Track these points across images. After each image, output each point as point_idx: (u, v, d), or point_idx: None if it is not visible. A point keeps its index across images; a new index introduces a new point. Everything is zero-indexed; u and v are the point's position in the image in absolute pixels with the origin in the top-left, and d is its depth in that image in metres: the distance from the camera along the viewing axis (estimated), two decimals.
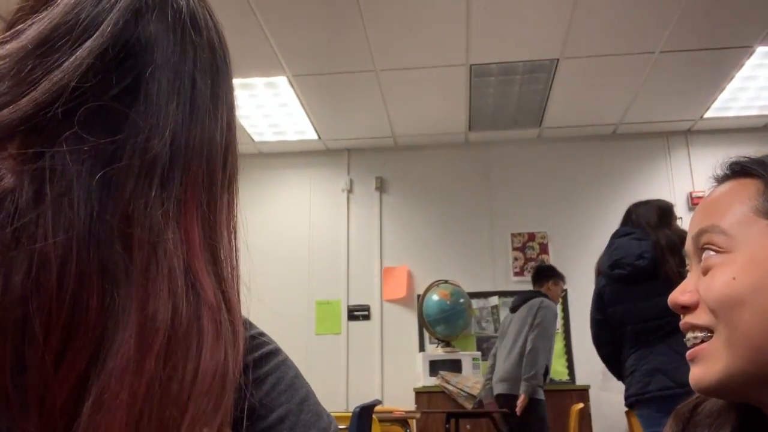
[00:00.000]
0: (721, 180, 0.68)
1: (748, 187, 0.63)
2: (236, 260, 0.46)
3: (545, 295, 4.27)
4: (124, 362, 0.34)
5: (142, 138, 0.38)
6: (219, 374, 0.39)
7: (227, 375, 0.40)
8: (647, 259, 2.62)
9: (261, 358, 0.97)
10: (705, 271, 0.62)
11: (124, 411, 0.34)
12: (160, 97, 0.39)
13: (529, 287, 5.52)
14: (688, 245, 0.67)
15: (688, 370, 2.22)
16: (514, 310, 4.33)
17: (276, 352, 1.00)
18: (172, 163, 0.39)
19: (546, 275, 4.41)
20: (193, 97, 0.41)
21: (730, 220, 0.62)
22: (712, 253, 0.62)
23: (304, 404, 0.96)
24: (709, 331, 0.61)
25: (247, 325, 1.00)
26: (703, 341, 0.61)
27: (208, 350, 0.38)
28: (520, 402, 3.86)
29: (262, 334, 1.00)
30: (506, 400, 4.00)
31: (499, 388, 4.08)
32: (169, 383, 0.36)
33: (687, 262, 0.67)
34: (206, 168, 0.41)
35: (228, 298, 0.42)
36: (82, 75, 0.37)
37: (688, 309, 0.64)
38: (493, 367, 4.33)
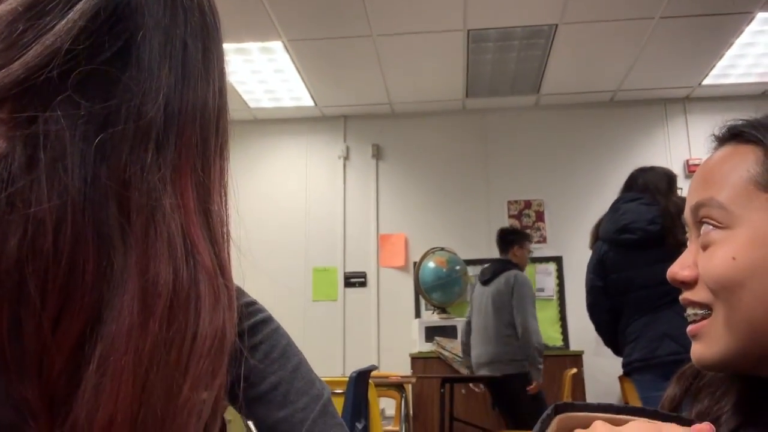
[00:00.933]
0: (719, 143, 0.65)
1: (747, 154, 0.61)
2: (227, 225, 0.46)
3: (515, 265, 4.21)
4: (128, 325, 0.34)
5: (135, 102, 0.38)
6: (218, 338, 0.39)
7: (225, 338, 0.40)
8: (659, 224, 2.59)
9: (254, 326, 0.97)
10: (704, 247, 0.61)
11: (130, 373, 0.34)
12: (152, 61, 0.39)
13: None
14: (687, 215, 0.65)
15: None
16: (485, 283, 4.23)
17: (268, 320, 1.01)
18: (166, 128, 0.39)
19: (509, 241, 4.31)
20: (184, 61, 0.41)
21: (728, 193, 0.59)
22: (710, 227, 0.60)
23: (297, 371, 0.97)
24: (709, 308, 0.60)
25: (240, 293, 1.01)
26: (703, 318, 0.60)
27: (207, 314, 0.38)
28: (533, 389, 3.90)
29: (254, 302, 1.01)
30: (501, 383, 4.02)
31: (486, 371, 4.05)
32: (172, 346, 0.36)
33: (686, 231, 0.66)
34: (200, 132, 0.41)
35: (222, 263, 0.42)
36: (75, 38, 0.37)
37: (687, 284, 0.62)
38: (467, 345, 4.30)
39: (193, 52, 0.42)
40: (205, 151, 0.42)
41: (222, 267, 0.42)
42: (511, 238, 4.33)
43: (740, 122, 0.63)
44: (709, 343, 0.59)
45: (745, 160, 0.60)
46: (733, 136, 0.63)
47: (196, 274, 0.38)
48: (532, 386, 3.89)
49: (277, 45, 4.65)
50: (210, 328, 0.38)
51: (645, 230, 2.62)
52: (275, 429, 0.94)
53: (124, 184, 0.36)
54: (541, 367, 3.94)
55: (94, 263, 0.34)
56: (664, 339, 2.53)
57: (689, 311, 0.62)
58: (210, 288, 0.39)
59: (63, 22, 0.37)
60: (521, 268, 4.26)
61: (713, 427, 0.40)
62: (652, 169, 2.82)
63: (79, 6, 0.38)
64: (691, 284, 0.62)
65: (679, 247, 2.69)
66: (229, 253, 0.45)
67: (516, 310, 3.99)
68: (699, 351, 0.60)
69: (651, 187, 2.72)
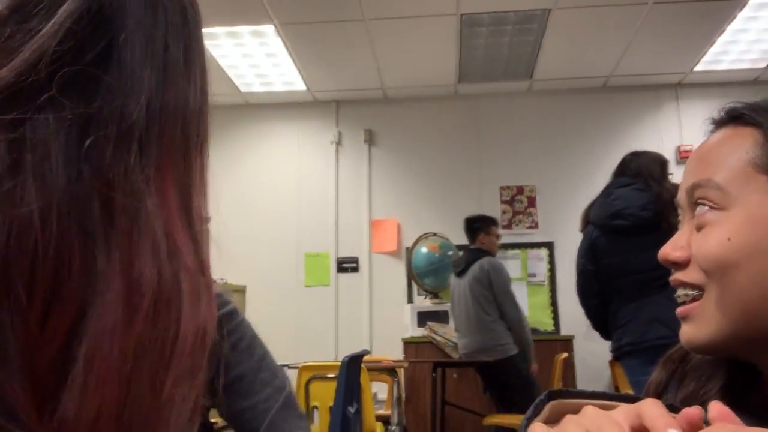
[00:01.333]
0: (717, 126, 0.64)
1: (746, 137, 0.60)
2: (208, 222, 0.47)
3: (486, 252, 4.20)
4: (112, 323, 0.35)
5: (118, 104, 0.38)
6: (200, 335, 0.40)
7: (206, 335, 0.41)
8: (651, 210, 2.60)
9: (221, 318, 0.99)
10: (699, 228, 0.60)
11: (114, 371, 0.35)
12: (134, 62, 0.39)
13: (518, 240, 5.60)
14: (681, 197, 0.64)
15: None
16: (459, 274, 4.23)
17: (234, 312, 1.03)
18: (148, 129, 0.39)
19: (475, 229, 4.29)
20: (166, 61, 0.41)
21: (725, 175, 0.58)
22: (706, 208, 0.59)
23: (262, 362, 0.99)
24: (700, 289, 0.59)
25: None
26: (694, 299, 0.59)
27: (189, 312, 0.39)
28: (534, 369, 3.99)
29: (220, 294, 1.03)
30: (491, 367, 4.05)
31: (476, 357, 4.09)
32: (155, 343, 0.37)
33: (679, 213, 0.64)
34: (182, 132, 0.41)
35: (202, 261, 0.43)
36: (60, 40, 0.37)
37: (679, 265, 0.61)
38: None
39: (174, 51, 0.42)
40: (186, 150, 0.42)
41: (203, 265, 0.42)
42: (476, 226, 4.30)
43: (740, 105, 0.63)
44: (699, 324, 0.58)
45: (743, 142, 0.59)
46: (731, 119, 0.63)
47: (178, 273, 0.39)
48: (533, 367, 3.97)
49: (268, 29, 4.61)
50: (192, 326, 0.39)
51: (637, 216, 2.63)
52: (239, 418, 0.96)
53: (108, 185, 0.36)
54: (529, 353, 4.02)
55: (80, 262, 0.35)
56: (654, 323, 2.55)
57: (680, 292, 0.61)
58: (192, 286, 0.40)
59: (49, 24, 0.37)
60: (492, 254, 4.25)
61: (702, 410, 0.40)
62: (644, 154, 2.82)
63: (64, 7, 0.38)
64: (683, 265, 0.61)
65: (672, 232, 2.73)
66: (209, 251, 0.46)
67: (500, 304, 4.01)
68: (689, 332, 0.59)
69: (644, 172, 2.71)
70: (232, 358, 0.99)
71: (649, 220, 2.60)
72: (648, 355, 2.56)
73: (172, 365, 0.38)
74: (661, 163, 2.76)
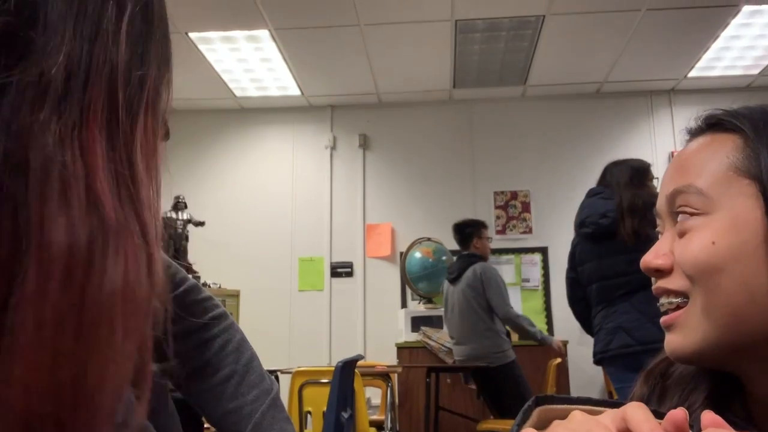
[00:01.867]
0: (695, 134, 0.63)
1: (725, 143, 0.59)
2: (156, 188, 0.45)
3: (479, 257, 4.19)
4: (29, 292, 0.34)
5: (36, 58, 0.37)
6: (130, 300, 0.39)
7: (137, 300, 0.40)
8: (610, 218, 2.66)
9: (211, 320, 1.00)
10: (681, 234, 0.59)
11: (35, 341, 0.34)
12: (57, 16, 0.39)
13: (512, 245, 5.60)
14: (661, 205, 0.62)
15: (649, 328, 2.28)
16: (453, 281, 4.21)
17: (224, 315, 1.04)
18: (67, 87, 0.38)
19: (468, 234, 4.26)
20: (92, 17, 0.40)
21: (707, 180, 0.58)
22: (687, 215, 0.58)
23: (250, 365, 0.99)
24: (685, 296, 0.57)
25: (197, 289, 1.03)
26: (678, 307, 0.58)
27: (116, 273, 0.38)
28: (561, 352, 4.12)
29: (210, 297, 1.04)
30: (486, 373, 4.05)
31: (472, 364, 4.09)
32: (77, 309, 0.36)
33: (659, 222, 0.63)
34: (107, 90, 0.40)
35: (144, 223, 0.41)
36: None
37: (661, 273, 0.60)
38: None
39: (104, 12, 0.41)
40: (116, 109, 0.41)
41: (144, 226, 0.41)
42: (469, 231, 4.27)
43: (717, 112, 0.62)
44: (686, 332, 0.57)
45: (723, 147, 0.59)
46: (709, 126, 0.62)
47: (100, 232, 0.37)
48: (559, 349, 4.12)
49: (263, 33, 4.62)
50: (119, 286, 0.38)
51: (597, 224, 2.71)
52: (225, 420, 0.96)
53: (21, 142, 0.36)
54: (541, 335, 4.08)
55: (6, 230, 0.34)
56: (618, 331, 2.60)
57: (663, 300, 0.60)
58: (117, 245, 0.38)
59: None
60: (485, 258, 4.25)
61: (686, 412, 0.40)
62: (622, 163, 2.89)
63: None
64: (665, 272, 0.59)
65: (627, 238, 2.76)
66: (157, 217, 0.44)
67: (494, 307, 4.01)
68: (676, 342, 0.58)
69: (613, 181, 2.79)
70: (219, 360, 0.99)
71: (607, 227, 2.67)
72: (618, 362, 2.62)
73: (101, 332, 0.37)
74: (633, 170, 2.80)
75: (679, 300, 0.58)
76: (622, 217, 2.62)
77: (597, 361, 2.77)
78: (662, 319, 0.59)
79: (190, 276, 1.02)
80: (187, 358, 0.97)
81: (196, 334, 0.99)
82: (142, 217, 0.41)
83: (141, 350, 0.41)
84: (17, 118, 0.36)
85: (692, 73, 5.33)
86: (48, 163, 0.36)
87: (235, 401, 0.96)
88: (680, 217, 0.59)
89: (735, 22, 4.52)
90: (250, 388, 0.98)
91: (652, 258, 0.60)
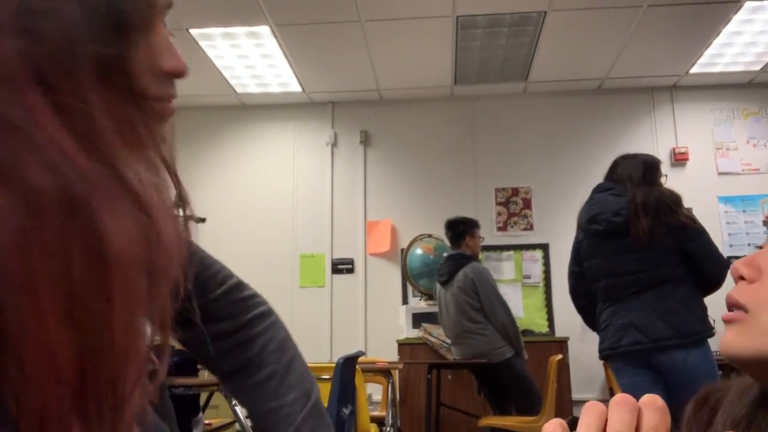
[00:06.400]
0: None
1: None
2: (154, 156, 0.45)
3: (469, 257, 4.15)
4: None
5: None
6: (118, 262, 0.39)
7: (128, 267, 0.40)
8: (623, 215, 2.62)
9: (254, 318, 1.00)
10: None
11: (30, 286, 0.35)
12: None
13: (513, 242, 5.60)
14: None
15: (659, 325, 2.27)
16: (444, 283, 4.16)
17: (268, 313, 1.03)
18: (14, 48, 0.38)
19: (461, 232, 4.21)
20: None
21: None
22: None
23: (291, 365, 0.99)
24: (745, 310, 0.58)
25: (243, 286, 1.04)
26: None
27: (108, 221, 0.38)
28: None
29: (256, 295, 1.04)
30: (486, 369, 4.05)
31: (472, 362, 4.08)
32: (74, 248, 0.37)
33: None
34: (62, 53, 0.40)
35: (128, 184, 0.41)
36: None
37: (744, 280, 0.60)
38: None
39: None
40: (66, 69, 0.41)
41: (129, 189, 0.41)
42: (462, 229, 4.22)
43: None
44: (747, 335, 0.57)
45: None
46: None
47: (81, 185, 0.38)
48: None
49: (264, 30, 4.61)
50: (121, 240, 0.38)
51: (609, 221, 2.66)
52: (265, 419, 0.96)
53: None
54: (518, 350, 4.02)
55: None
56: (629, 328, 2.58)
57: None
58: (100, 200, 0.38)
59: None
60: (475, 257, 4.23)
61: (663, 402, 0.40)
62: (632, 157, 2.82)
63: None
64: (748, 282, 0.59)
65: (643, 236, 2.73)
66: (152, 183, 0.44)
67: (486, 309, 4.00)
68: (732, 339, 0.58)
69: (625, 177, 2.74)
70: (262, 358, 1.00)
71: (621, 225, 2.63)
72: (626, 358, 2.60)
73: (114, 289, 0.38)
74: (645, 165, 2.76)
75: (742, 311, 0.58)
76: (636, 215, 2.58)
77: (604, 357, 2.75)
78: (725, 315, 0.60)
79: (234, 275, 1.02)
80: (230, 356, 0.98)
81: (239, 332, 1.00)
82: (124, 178, 0.41)
83: (159, 324, 0.41)
84: None
85: (694, 69, 5.31)
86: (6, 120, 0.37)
87: (276, 401, 0.96)
88: None
89: (737, 18, 4.51)
90: (290, 388, 0.98)
91: (740, 266, 0.61)
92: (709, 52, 5.02)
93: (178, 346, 1.02)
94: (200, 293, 0.94)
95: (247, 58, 5.03)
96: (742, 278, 0.60)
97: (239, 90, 5.60)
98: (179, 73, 0.51)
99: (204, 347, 0.96)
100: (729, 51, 5.02)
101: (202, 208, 4.70)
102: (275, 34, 4.67)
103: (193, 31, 4.59)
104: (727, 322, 0.59)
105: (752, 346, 0.56)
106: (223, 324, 0.97)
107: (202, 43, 4.77)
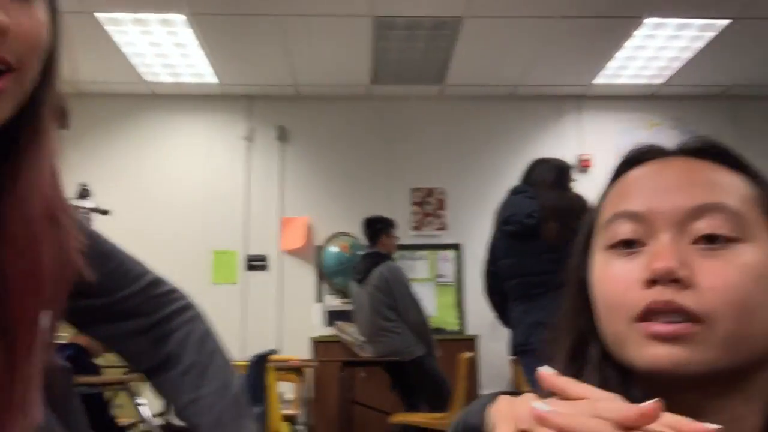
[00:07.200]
0: (692, 153, 0.58)
1: (734, 174, 0.56)
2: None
3: (384, 255, 4.21)
4: None
5: None
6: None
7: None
8: (535, 218, 2.72)
9: (173, 313, 1.01)
10: (707, 254, 0.52)
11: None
12: None
13: (427, 241, 5.69)
14: (669, 217, 0.53)
15: None
16: (360, 282, 4.21)
17: (188, 307, 1.05)
18: None
19: (377, 230, 4.27)
20: None
21: (738, 204, 0.53)
22: (723, 238, 0.52)
23: (212, 358, 1.00)
24: (701, 321, 0.50)
25: (160, 282, 1.03)
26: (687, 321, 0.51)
27: None
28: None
29: (174, 290, 1.05)
30: (399, 367, 4.10)
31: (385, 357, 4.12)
32: None
33: (632, 227, 0.55)
34: None
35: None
36: None
37: (678, 284, 0.51)
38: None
39: None
40: None
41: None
42: (379, 227, 4.28)
43: (719, 143, 0.58)
44: (698, 350, 0.50)
45: (737, 178, 0.55)
46: (713, 154, 0.57)
47: None
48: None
49: (179, 18, 4.46)
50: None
51: (522, 223, 2.76)
52: (186, 409, 0.97)
53: None
54: (434, 343, 4.11)
55: None
56: (538, 327, 2.67)
57: (673, 318, 0.51)
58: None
59: None
60: (390, 256, 4.29)
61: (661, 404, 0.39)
62: (546, 161, 2.95)
63: None
64: (683, 285, 0.51)
65: (551, 239, 2.83)
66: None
67: (400, 308, 4.05)
68: (682, 356, 0.50)
69: (538, 180, 2.85)
70: (183, 349, 1.00)
71: (533, 227, 2.73)
72: (533, 356, 2.70)
73: None
74: (558, 170, 2.88)
75: (690, 323, 0.50)
76: (545, 218, 2.68)
77: (515, 354, 2.83)
78: (665, 329, 0.50)
79: (151, 271, 1.02)
80: (150, 351, 0.99)
81: (157, 327, 1.00)
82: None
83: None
84: None
85: (599, 81, 5.58)
86: None
87: (195, 392, 0.97)
88: (700, 233, 0.52)
89: (639, 33, 4.77)
90: (210, 380, 0.99)
91: (677, 265, 0.51)
92: (614, 64, 5.28)
93: (70, 338, 1.01)
94: (113, 289, 0.95)
95: (159, 45, 4.85)
96: (675, 281, 0.51)
97: (149, 79, 5.39)
98: None
99: (124, 344, 0.98)
100: (632, 64, 5.30)
101: (108, 200, 4.49)
102: (190, 23, 4.53)
103: (99, 15, 4.36)
104: (671, 336, 0.50)
105: (709, 359, 0.50)
106: (141, 320, 0.98)
107: (109, 28, 4.55)
